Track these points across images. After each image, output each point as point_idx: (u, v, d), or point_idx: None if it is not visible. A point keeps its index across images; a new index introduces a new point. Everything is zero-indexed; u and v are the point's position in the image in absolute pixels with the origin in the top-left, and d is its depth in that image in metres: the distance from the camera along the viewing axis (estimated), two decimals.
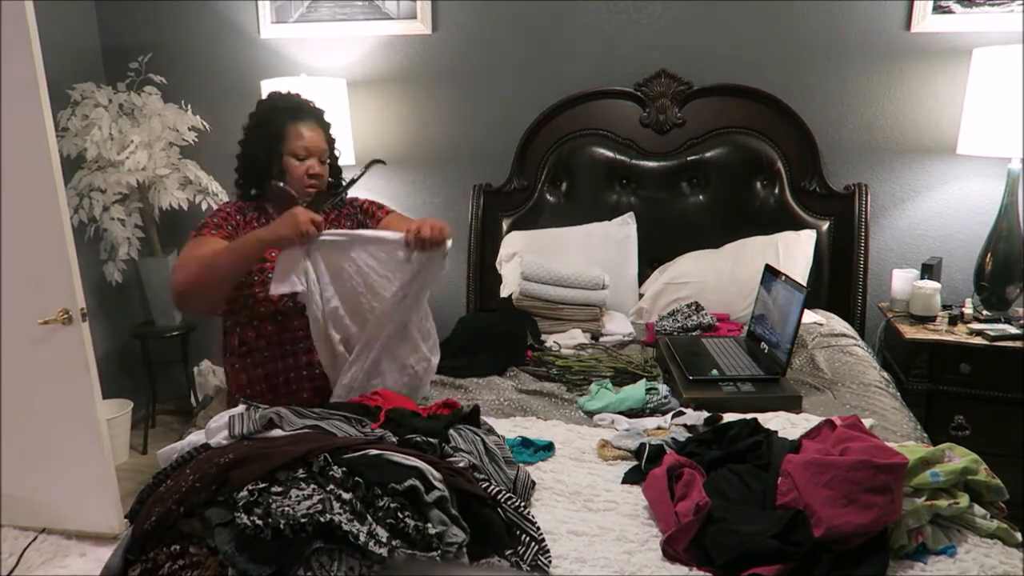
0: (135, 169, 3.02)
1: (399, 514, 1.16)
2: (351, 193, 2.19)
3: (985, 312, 2.57)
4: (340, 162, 3.01)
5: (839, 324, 2.61)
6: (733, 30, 2.89)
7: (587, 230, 2.91)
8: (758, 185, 2.90)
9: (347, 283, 1.84)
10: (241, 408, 1.45)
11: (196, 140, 3.20)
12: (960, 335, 2.44)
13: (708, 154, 2.91)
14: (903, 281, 2.65)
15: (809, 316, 2.60)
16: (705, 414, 1.78)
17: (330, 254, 1.82)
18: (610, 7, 2.97)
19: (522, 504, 1.34)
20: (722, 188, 2.91)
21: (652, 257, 2.90)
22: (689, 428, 1.72)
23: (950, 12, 2.69)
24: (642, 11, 2.96)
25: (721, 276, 2.71)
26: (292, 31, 3.26)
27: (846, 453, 1.31)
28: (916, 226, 2.88)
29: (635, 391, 1.94)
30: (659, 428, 1.75)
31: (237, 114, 3.29)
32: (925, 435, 1.81)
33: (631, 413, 1.88)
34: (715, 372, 2.02)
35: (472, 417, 1.61)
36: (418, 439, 1.42)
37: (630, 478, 1.53)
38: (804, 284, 2.35)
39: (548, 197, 3.08)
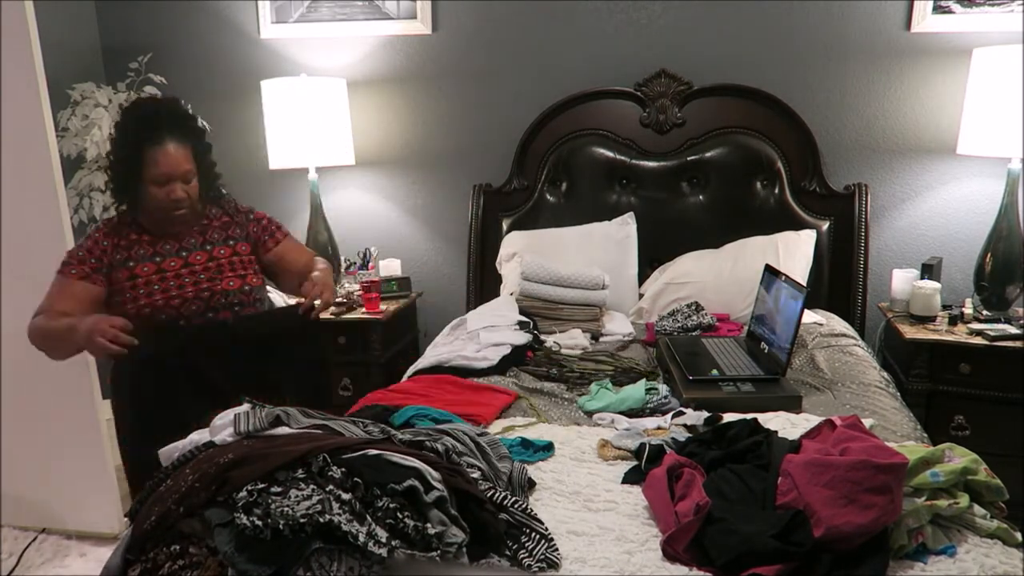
0: None
1: (398, 514, 1.16)
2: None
3: (985, 312, 2.57)
4: (340, 162, 3.07)
5: (839, 324, 2.61)
6: (733, 30, 2.89)
7: (587, 230, 2.91)
8: (758, 185, 2.90)
9: None
10: (246, 406, 1.45)
11: None
12: (960, 335, 2.44)
13: (708, 154, 2.91)
14: (903, 281, 2.65)
15: (809, 316, 2.60)
16: (705, 414, 1.78)
17: None
18: (610, 7, 2.98)
19: (524, 503, 1.35)
20: (722, 188, 2.91)
21: (652, 257, 2.90)
22: (689, 428, 1.72)
23: (950, 12, 2.69)
24: (642, 11, 2.96)
25: (721, 276, 2.71)
26: (292, 31, 3.25)
27: (846, 453, 1.31)
28: (916, 226, 2.88)
29: (635, 391, 1.93)
30: (659, 428, 1.75)
31: (237, 114, 3.33)
32: (925, 435, 1.81)
33: (631, 413, 1.88)
34: (715, 372, 2.02)
35: None
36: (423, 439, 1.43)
37: (630, 478, 1.53)
38: (804, 284, 2.35)
39: (548, 197, 3.08)
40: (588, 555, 1.27)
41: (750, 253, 2.73)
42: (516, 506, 1.34)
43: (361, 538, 1.10)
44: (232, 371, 1.84)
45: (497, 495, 1.36)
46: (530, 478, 1.51)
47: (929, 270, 2.64)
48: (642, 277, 2.88)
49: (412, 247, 3.33)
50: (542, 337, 2.47)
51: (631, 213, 2.93)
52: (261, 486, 1.17)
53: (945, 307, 2.63)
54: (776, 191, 2.89)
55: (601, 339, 2.51)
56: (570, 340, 2.44)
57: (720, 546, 1.21)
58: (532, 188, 3.10)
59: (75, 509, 2.61)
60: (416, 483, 1.20)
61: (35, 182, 2.37)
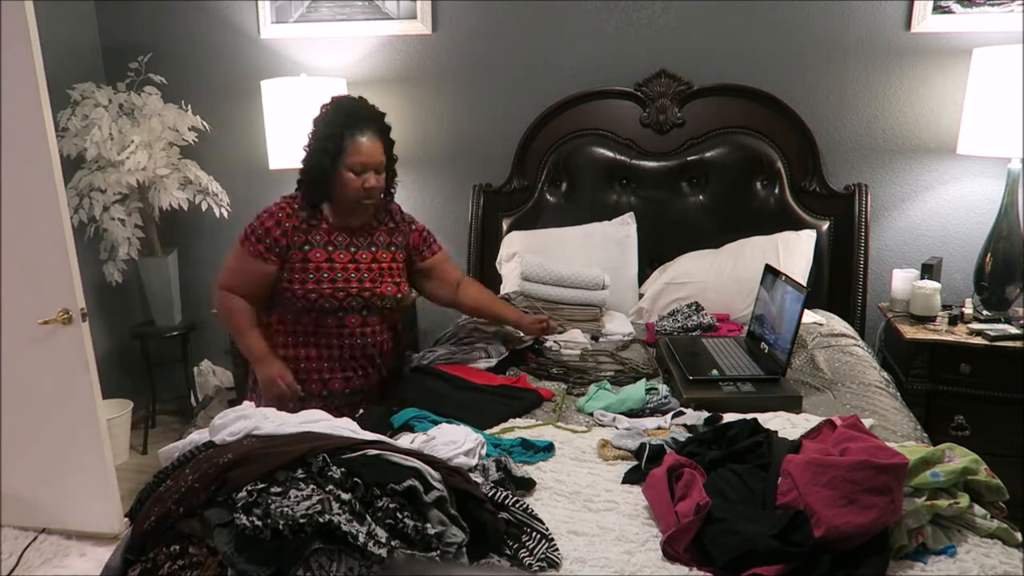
0: (135, 169, 3.02)
1: (398, 514, 1.16)
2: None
3: (985, 312, 2.57)
4: None
5: (839, 324, 2.61)
6: (733, 30, 2.89)
7: (587, 230, 2.91)
8: (758, 185, 2.90)
9: None
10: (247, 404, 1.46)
11: (196, 140, 3.20)
12: (960, 335, 2.44)
13: (708, 154, 2.91)
14: (903, 281, 2.65)
15: (809, 316, 2.60)
16: (705, 414, 1.78)
17: None
18: (610, 7, 2.97)
19: (525, 502, 1.35)
20: (722, 188, 2.91)
21: (652, 257, 2.90)
22: (689, 428, 1.72)
23: (950, 12, 2.69)
24: (642, 11, 2.96)
25: (721, 276, 2.71)
26: (292, 31, 3.26)
27: (846, 453, 1.31)
28: (916, 226, 2.88)
29: (635, 391, 1.93)
30: (659, 428, 1.75)
31: (237, 114, 3.33)
32: (925, 435, 1.81)
33: (631, 413, 1.88)
34: (715, 372, 2.02)
35: None
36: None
37: (630, 478, 1.53)
38: (804, 284, 2.35)
39: (548, 197, 3.08)
40: (588, 555, 1.27)
41: (750, 253, 2.73)
42: (517, 505, 1.34)
43: (361, 538, 1.10)
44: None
45: (499, 495, 1.36)
46: (530, 478, 1.51)
47: (929, 270, 2.64)
48: (642, 277, 2.87)
49: None
50: (542, 337, 2.46)
51: (631, 213, 2.93)
52: (261, 486, 1.17)
53: (945, 307, 2.63)
54: (776, 191, 2.88)
55: (601, 339, 2.51)
56: (570, 340, 2.44)
57: (721, 546, 1.21)
58: (532, 188, 3.10)
59: (75, 509, 2.62)
60: (416, 483, 1.20)
61: (35, 182, 2.37)
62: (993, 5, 2.65)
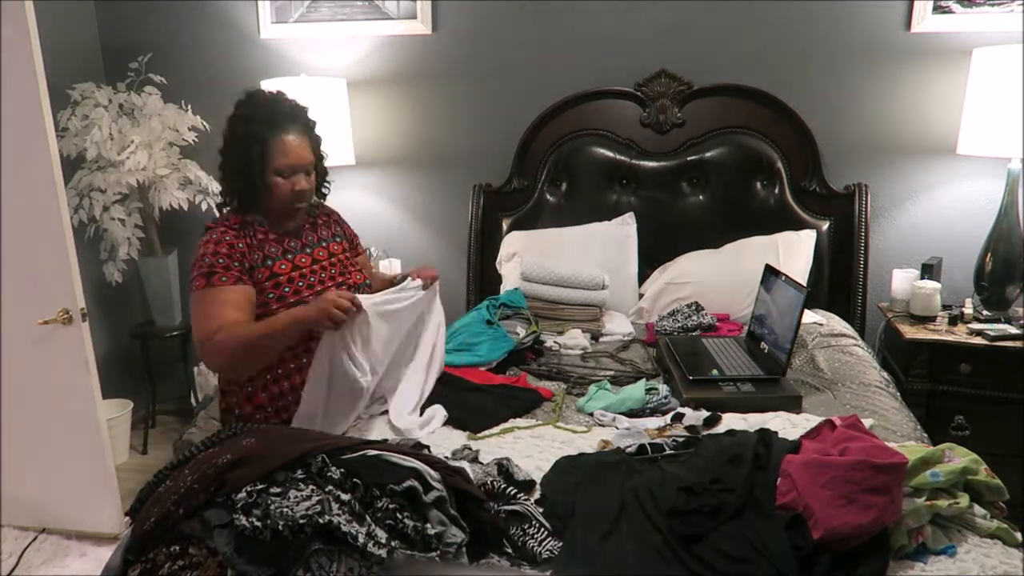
0: (135, 169, 3.02)
1: (398, 515, 1.16)
2: (330, 203, 2.19)
3: (985, 312, 2.57)
4: (341, 162, 3.06)
5: (839, 324, 2.61)
6: (733, 30, 2.89)
7: (587, 230, 2.91)
8: (758, 185, 2.90)
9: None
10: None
11: (196, 140, 3.20)
12: (960, 335, 2.44)
13: (708, 154, 2.91)
14: (903, 281, 2.65)
15: (809, 316, 2.60)
16: (705, 414, 1.78)
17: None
18: (610, 7, 2.97)
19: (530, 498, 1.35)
20: (722, 188, 2.91)
21: (652, 257, 2.90)
22: (689, 428, 1.73)
23: (950, 12, 2.69)
24: (642, 11, 2.95)
25: (721, 276, 2.71)
26: (292, 31, 3.26)
27: (846, 453, 1.31)
28: (916, 226, 2.88)
29: (635, 391, 1.93)
30: (659, 428, 1.75)
31: None
32: (925, 435, 1.81)
33: (631, 413, 1.88)
34: (715, 372, 2.02)
35: None
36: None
37: None
38: (804, 284, 2.35)
39: (548, 197, 3.08)
40: None
41: (750, 253, 2.73)
42: (523, 498, 1.35)
43: (360, 539, 1.10)
44: None
45: (503, 487, 1.36)
46: (531, 479, 1.50)
47: (929, 270, 2.64)
48: (642, 277, 2.87)
49: (412, 247, 3.33)
50: (542, 337, 2.47)
51: (631, 213, 2.93)
52: (260, 487, 1.17)
53: (945, 307, 2.63)
54: (776, 191, 2.88)
55: (601, 339, 2.51)
56: (570, 340, 2.44)
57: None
58: (532, 188, 3.10)
59: (75, 509, 2.62)
60: (415, 483, 1.20)
61: (35, 182, 2.37)
62: (993, 5, 2.65)
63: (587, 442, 1.72)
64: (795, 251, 2.73)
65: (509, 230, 3.07)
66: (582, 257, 2.75)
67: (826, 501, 1.22)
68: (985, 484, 1.35)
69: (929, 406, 2.46)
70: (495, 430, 1.79)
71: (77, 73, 3.22)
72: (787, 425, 1.74)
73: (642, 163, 2.97)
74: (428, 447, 1.57)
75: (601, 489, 1.40)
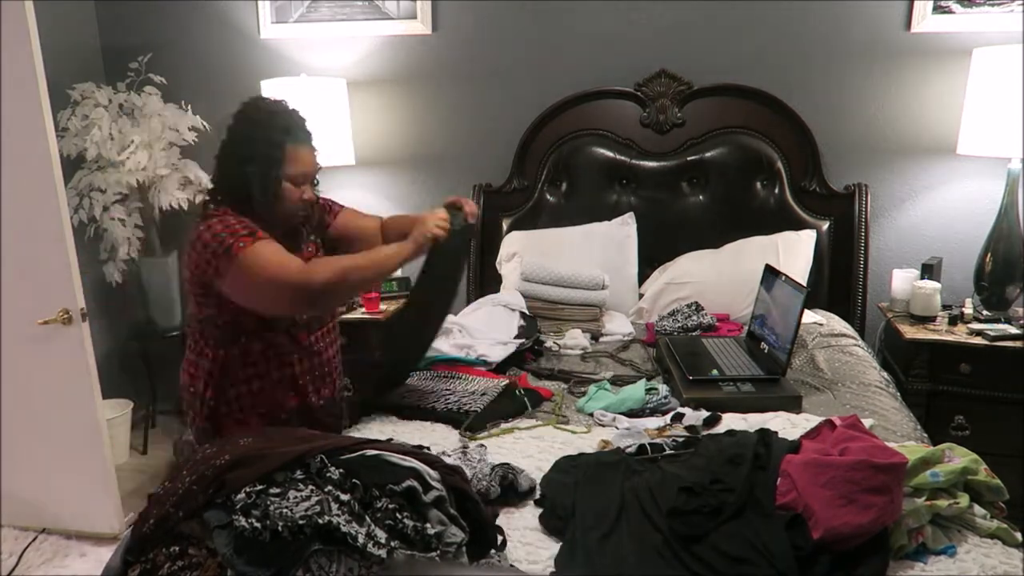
0: (135, 169, 3.02)
1: (397, 515, 1.15)
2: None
3: (985, 312, 2.57)
4: (341, 162, 3.07)
5: (839, 324, 2.61)
6: (733, 30, 2.89)
7: (587, 230, 2.91)
8: (758, 185, 2.90)
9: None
10: None
11: (196, 140, 3.19)
12: (960, 335, 2.44)
13: (708, 154, 2.91)
14: (903, 281, 2.65)
15: (809, 316, 2.60)
16: (705, 414, 1.78)
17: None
18: (610, 7, 2.97)
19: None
20: (722, 188, 2.91)
21: (652, 257, 2.90)
22: (689, 428, 1.73)
23: (950, 12, 2.69)
24: (642, 11, 2.95)
25: (721, 276, 2.71)
26: (292, 31, 3.25)
27: (846, 453, 1.31)
28: (916, 226, 2.88)
29: (635, 391, 1.93)
30: (659, 428, 1.75)
31: None
32: (925, 435, 1.81)
33: (631, 413, 1.88)
34: (715, 372, 2.02)
35: None
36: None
37: None
38: (804, 284, 2.35)
39: (548, 197, 3.08)
40: None
41: (750, 253, 2.73)
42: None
43: (360, 539, 1.10)
44: None
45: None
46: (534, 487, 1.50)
47: (929, 270, 2.64)
48: (642, 277, 2.87)
49: None
50: (542, 337, 2.47)
51: (631, 213, 2.93)
52: (259, 487, 1.17)
53: (945, 307, 2.63)
54: (776, 191, 2.88)
55: (601, 339, 2.51)
56: (570, 340, 2.44)
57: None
58: (532, 188, 3.10)
59: (75, 509, 2.62)
60: (415, 483, 1.20)
61: (35, 182, 2.37)
62: (993, 5, 2.65)
63: (587, 442, 1.71)
64: (795, 251, 2.73)
65: (509, 230, 3.07)
66: (582, 257, 2.75)
67: (826, 501, 1.22)
68: (985, 484, 1.35)
69: (929, 406, 2.46)
70: (495, 430, 1.80)
71: (77, 73, 3.21)
72: (787, 425, 1.74)
73: (642, 163, 2.97)
74: (428, 447, 1.57)
75: (601, 489, 1.40)
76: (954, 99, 2.68)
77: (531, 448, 1.70)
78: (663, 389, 1.96)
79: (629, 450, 1.57)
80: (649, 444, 1.57)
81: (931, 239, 2.86)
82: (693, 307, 2.60)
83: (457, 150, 3.23)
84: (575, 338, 2.45)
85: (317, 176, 1.91)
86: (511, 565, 1.25)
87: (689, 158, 2.93)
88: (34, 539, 2.61)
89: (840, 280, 2.85)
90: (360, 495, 1.18)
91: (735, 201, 2.90)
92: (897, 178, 2.87)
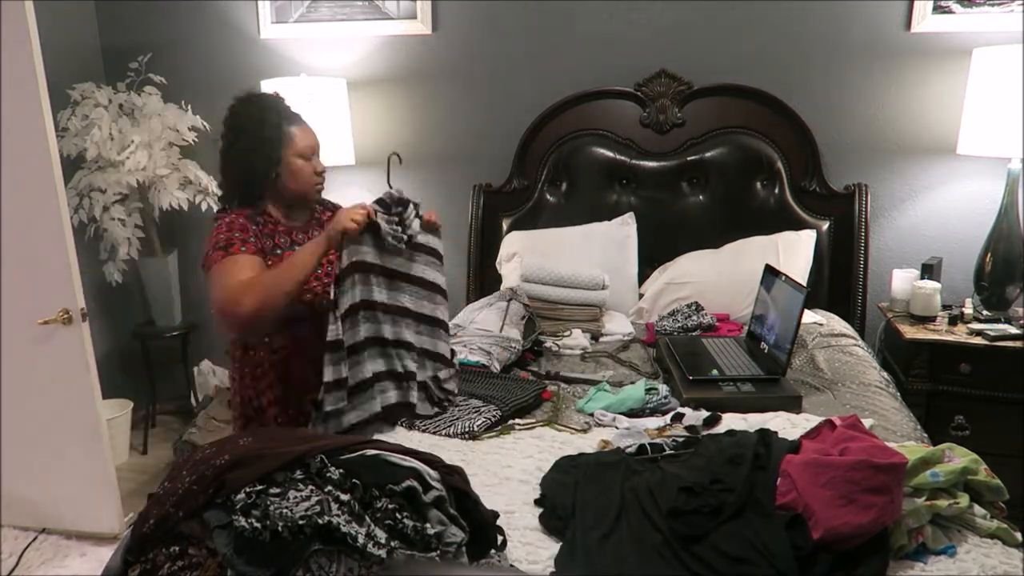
0: (135, 169, 3.02)
1: (397, 515, 1.15)
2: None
3: (985, 312, 2.57)
4: (341, 162, 3.07)
5: (839, 324, 2.61)
6: (733, 30, 2.89)
7: (587, 230, 2.91)
8: (758, 185, 2.90)
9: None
10: None
11: (196, 140, 3.20)
12: (960, 335, 2.44)
13: (708, 154, 2.91)
14: (903, 281, 2.65)
15: (809, 316, 2.60)
16: (705, 414, 1.78)
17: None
18: (610, 7, 2.97)
19: None
20: (722, 188, 2.91)
21: (652, 257, 2.90)
22: (689, 428, 1.73)
23: (950, 12, 2.69)
24: (642, 11, 2.95)
25: (721, 276, 2.71)
26: (292, 31, 3.26)
27: (846, 453, 1.31)
28: (916, 226, 2.88)
29: (635, 391, 1.93)
30: (659, 428, 1.75)
31: None
32: (925, 435, 1.81)
33: (631, 413, 1.88)
34: (715, 372, 2.02)
35: None
36: None
37: None
38: (804, 284, 2.35)
39: (548, 197, 3.08)
40: None
41: (750, 253, 2.73)
42: None
43: (360, 539, 1.09)
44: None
45: None
46: None
47: (929, 270, 2.64)
48: (642, 277, 2.87)
49: None
50: (542, 338, 2.47)
51: (631, 213, 2.93)
52: (259, 487, 1.17)
53: (945, 307, 2.63)
54: (776, 191, 2.88)
55: (601, 339, 2.51)
56: (570, 340, 2.44)
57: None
58: (532, 188, 3.10)
59: (75, 509, 2.62)
60: (415, 483, 1.19)
61: (35, 182, 2.37)
62: (993, 5, 2.65)
63: (587, 442, 1.71)
64: (795, 251, 2.73)
65: (509, 230, 3.07)
66: (582, 257, 2.75)
67: (826, 501, 1.22)
68: (985, 484, 1.35)
69: (929, 406, 2.46)
70: (495, 431, 1.80)
71: (77, 73, 3.22)
72: (787, 425, 1.74)
73: (642, 163, 2.97)
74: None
75: (601, 489, 1.40)
76: (954, 99, 2.68)
77: (531, 448, 1.70)
78: (663, 389, 1.96)
79: (629, 450, 1.57)
80: (649, 444, 1.57)
81: (931, 239, 2.86)
82: (693, 307, 2.60)
83: (457, 150, 3.23)
84: (575, 338, 2.45)
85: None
86: (511, 565, 1.25)
87: (689, 158, 2.93)
88: (34, 539, 2.61)
89: (840, 280, 2.85)
90: (360, 495, 1.18)
91: (735, 201, 2.90)
92: (897, 178, 2.87)
